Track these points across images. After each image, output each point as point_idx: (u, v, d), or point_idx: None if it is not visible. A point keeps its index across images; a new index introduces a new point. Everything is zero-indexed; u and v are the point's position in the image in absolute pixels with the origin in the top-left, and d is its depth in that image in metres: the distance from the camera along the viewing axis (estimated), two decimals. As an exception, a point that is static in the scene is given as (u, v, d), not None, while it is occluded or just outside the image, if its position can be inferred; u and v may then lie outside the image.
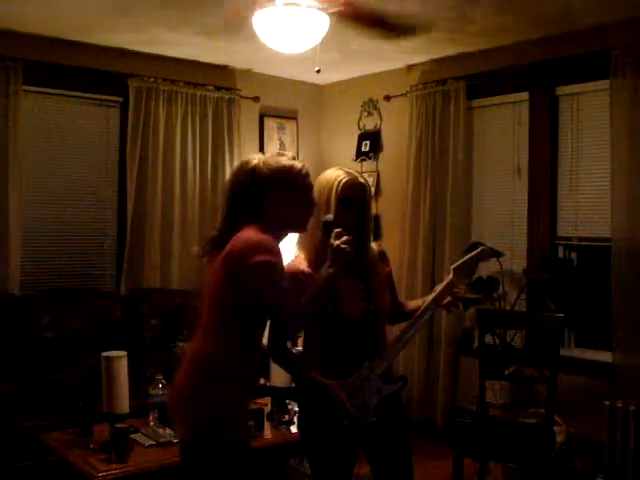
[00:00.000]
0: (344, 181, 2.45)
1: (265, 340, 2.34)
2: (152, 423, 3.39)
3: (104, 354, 3.25)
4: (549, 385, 3.56)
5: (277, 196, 2.24)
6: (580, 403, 4.11)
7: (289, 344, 2.53)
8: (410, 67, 5.40)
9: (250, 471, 2.26)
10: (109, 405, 3.20)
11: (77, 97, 4.96)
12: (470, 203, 5.05)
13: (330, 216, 2.36)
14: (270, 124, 5.89)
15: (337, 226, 2.33)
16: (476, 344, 4.00)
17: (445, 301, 2.49)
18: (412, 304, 2.65)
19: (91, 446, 3.16)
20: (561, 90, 4.57)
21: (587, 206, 4.46)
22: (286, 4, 3.57)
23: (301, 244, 2.52)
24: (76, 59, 4.83)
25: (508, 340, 4.31)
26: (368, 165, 5.75)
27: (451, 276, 2.50)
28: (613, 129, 4.14)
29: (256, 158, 2.30)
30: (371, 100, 5.79)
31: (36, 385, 4.18)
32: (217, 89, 5.46)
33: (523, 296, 4.44)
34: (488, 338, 4.03)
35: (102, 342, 4.17)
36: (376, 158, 5.72)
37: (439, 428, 4.92)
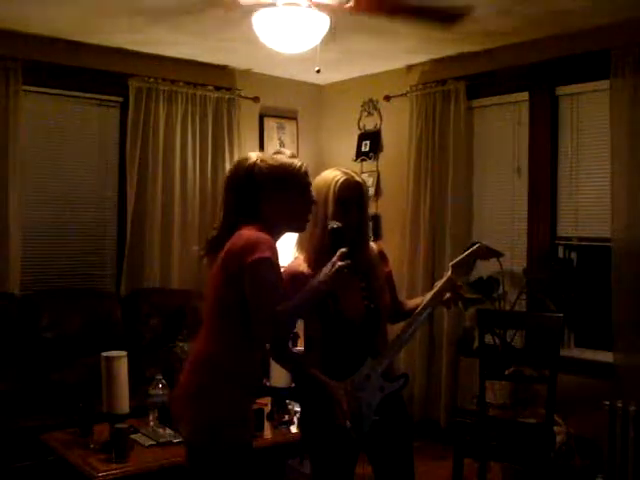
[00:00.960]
0: (341, 181, 2.45)
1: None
2: (152, 423, 3.39)
3: (104, 354, 3.25)
4: (549, 385, 3.56)
5: (275, 195, 2.24)
6: (580, 403, 4.11)
7: (290, 343, 2.52)
8: (410, 67, 5.40)
9: (252, 471, 2.26)
10: (109, 405, 3.20)
11: (77, 97, 4.96)
12: (470, 203, 5.05)
13: (337, 223, 2.36)
14: (270, 124, 5.90)
15: (339, 231, 2.34)
16: (476, 344, 3.99)
17: (445, 297, 2.50)
18: (411, 303, 2.65)
19: (91, 446, 3.15)
20: (561, 90, 4.57)
21: (587, 206, 4.46)
22: (286, 4, 3.57)
23: (300, 245, 2.53)
24: (76, 59, 4.83)
25: (508, 340, 4.30)
26: (368, 165, 5.75)
27: (449, 273, 2.51)
28: (613, 129, 4.14)
29: (254, 156, 2.28)
30: (371, 100, 5.79)
31: (36, 385, 4.18)
32: (217, 89, 5.46)
33: (523, 296, 4.44)
34: (488, 338, 4.03)
35: (102, 342, 4.16)
36: (376, 158, 5.72)
37: (441, 428, 4.92)
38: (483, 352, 3.82)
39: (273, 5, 3.59)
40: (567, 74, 4.49)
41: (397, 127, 5.53)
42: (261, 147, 5.80)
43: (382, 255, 2.64)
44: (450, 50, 4.92)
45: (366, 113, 5.85)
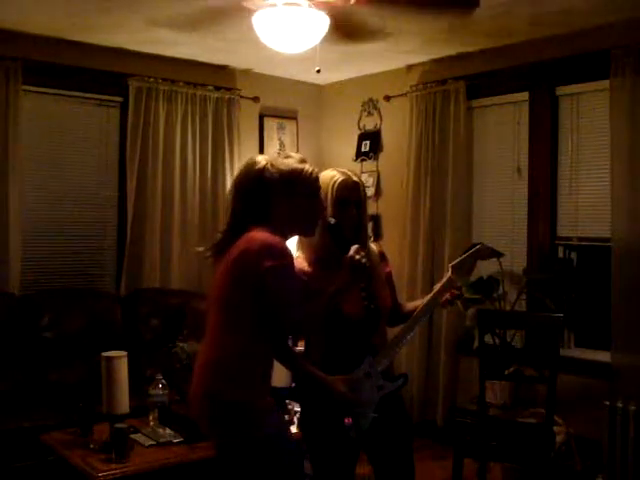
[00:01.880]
0: (339, 181, 2.46)
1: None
2: (152, 423, 3.39)
3: (104, 354, 3.25)
4: (549, 385, 3.56)
5: (286, 200, 2.23)
6: (580, 403, 4.11)
7: (290, 342, 2.52)
8: (410, 67, 5.40)
9: (293, 458, 2.25)
10: (109, 405, 3.19)
11: (77, 97, 4.96)
12: (470, 203, 5.05)
13: (332, 219, 2.39)
14: (270, 124, 5.89)
15: (337, 226, 2.35)
16: (476, 344, 4.00)
17: (443, 298, 2.51)
18: (410, 305, 2.66)
19: (91, 446, 3.15)
20: (561, 90, 4.57)
21: (587, 206, 4.46)
22: (286, 4, 3.57)
23: (301, 245, 2.54)
24: (76, 59, 4.83)
25: (508, 340, 4.31)
26: (368, 165, 5.75)
27: (449, 274, 2.51)
28: (613, 129, 4.14)
29: (264, 160, 2.27)
30: (371, 100, 5.79)
31: (36, 385, 4.18)
32: (217, 89, 5.46)
33: (523, 296, 4.44)
34: (488, 338, 4.03)
35: (102, 342, 4.16)
36: (376, 158, 5.72)
37: (439, 428, 4.92)
38: (483, 352, 3.82)
39: (273, 5, 3.59)
40: (567, 74, 4.49)
41: (397, 127, 5.53)
42: (261, 147, 5.81)
43: (382, 255, 2.65)
44: (450, 50, 4.92)
45: (366, 113, 5.85)
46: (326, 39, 3.89)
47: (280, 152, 5.67)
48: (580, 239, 4.50)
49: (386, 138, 5.70)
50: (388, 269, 2.66)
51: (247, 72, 5.67)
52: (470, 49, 4.85)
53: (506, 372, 4.07)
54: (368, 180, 5.61)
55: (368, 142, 5.76)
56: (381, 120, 5.73)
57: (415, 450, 2.57)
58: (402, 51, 4.96)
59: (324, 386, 2.33)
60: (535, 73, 4.64)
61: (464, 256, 2.56)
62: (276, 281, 2.12)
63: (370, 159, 5.73)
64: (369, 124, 5.82)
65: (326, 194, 2.43)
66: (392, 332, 2.58)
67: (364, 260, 2.27)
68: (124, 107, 5.11)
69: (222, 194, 5.38)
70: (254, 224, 2.20)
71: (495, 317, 4.13)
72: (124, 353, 3.28)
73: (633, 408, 3.81)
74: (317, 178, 2.31)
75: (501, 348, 4.23)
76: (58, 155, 4.94)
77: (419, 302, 2.60)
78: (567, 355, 4.31)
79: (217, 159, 5.44)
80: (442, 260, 4.97)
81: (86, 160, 5.04)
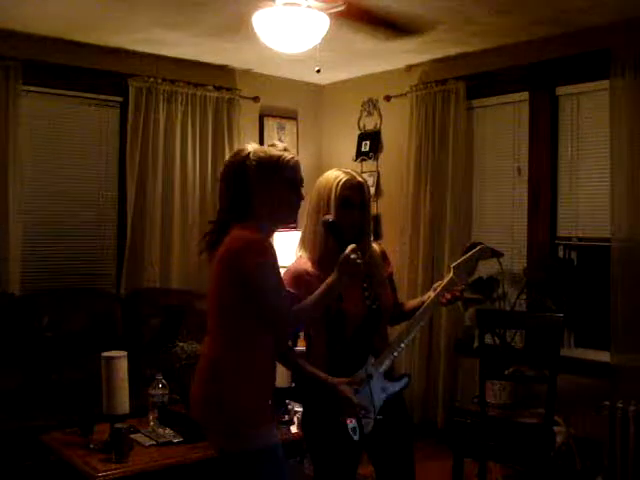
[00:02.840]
0: (343, 181, 2.46)
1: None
2: (152, 423, 3.38)
3: (104, 354, 3.25)
4: (549, 385, 3.56)
5: (264, 187, 2.22)
6: (580, 403, 4.11)
7: (290, 343, 2.52)
8: (410, 67, 5.40)
9: (285, 467, 2.26)
10: (109, 405, 3.19)
11: (77, 97, 4.96)
12: (470, 203, 5.05)
13: (329, 217, 2.38)
14: (270, 124, 5.89)
15: (336, 226, 2.35)
16: (476, 344, 4.00)
17: (444, 299, 2.50)
18: (411, 304, 2.65)
19: (91, 446, 3.15)
20: (561, 90, 4.57)
21: (587, 206, 4.46)
22: (286, 4, 3.57)
23: (303, 244, 2.53)
24: (76, 59, 4.83)
25: (508, 340, 4.31)
26: (368, 165, 5.75)
27: (451, 274, 2.50)
28: (613, 129, 4.14)
29: (249, 147, 2.27)
30: (371, 100, 5.79)
31: (36, 385, 4.18)
32: (217, 89, 5.46)
33: (523, 296, 4.44)
34: (488, 338, 4.03)
35: (102, 342, 4.16)
36: (376, 158, 5.72)
37: (439, 428, 4.92)
38: (483, 352, 3.82)
39: (273, 5, 3.59)
40: (567, 74, 4.49)
41: (397, 127, 5.53)
42: (261, 147, 5.80)
43: (384, 255, 2.65)
44: (450, 50, 4.92)
45: (366, 113, 5.85)
46: (326, 39, 3.89)
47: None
48: (580, 239, 4.50)
49: (386, 138, 5.70)
50: (389, 269, 2.66)
51: (247, 72, 5.67)
52: (470, 49, 4.85)
53: (506, 372, 4.07)
54: (368, 180, 5.54)
55: (368, 142, 5.76)
56: (381, 120, 5.73)
57: (415, 450, 2.56)
58: (402, 51, 4.96)
59: (327, 388, 2.33)
60: (535, 73, 4.64)
61: (465, 256, 2.55)
62: (260, 278, 2.12)
63: (370, 159, 5.73)
64: (369, 124, 5.82)
65: (329, 193, 2.43)
66: (392, 333, 2.58)
67: (359, 260, 2.25)
68: (124, 107, 5.10)
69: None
70: (237, 219, 2.20)
71: (495, 317, 4.13)
72: (124, 353, 3.27)
73: (633, 408, 3.81)
74: (296, 167, 2.29)
75: (501, 348, 4.23)
76: (58, 155, 4.93)
77: (418, 301, 2.60)
78: (567, 355, 4.31)
79: (217, 159, 5.43)
80: (442, 260, 4.98)
81: (86, 160, 5.04)
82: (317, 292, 2.24)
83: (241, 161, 2.24)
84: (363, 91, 5.84)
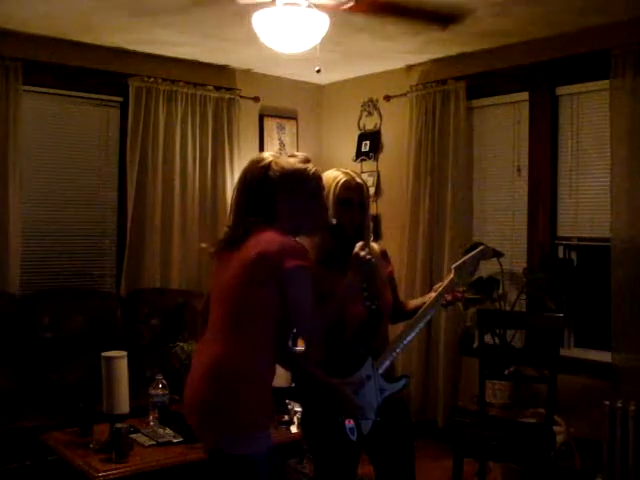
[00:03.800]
0: (342, 182, 2.47)
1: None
2: (152, 423, 3.39)
3: (104, 354, 3.25)
4: (549, 385, 3.56)
5: (288, 198, 2.23)
6: (580, 403, 4.11)
7: (290, 343, 2.52)
8: (410, 67, 5.40)
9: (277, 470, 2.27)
10: (109, 405, 3.19)
11: (77, 97, 4.96)
12: (470, 203, 5.05)
13: (333, 219, 2.39)
14: (270, 124, 5.89)
15: (338, 226, 2.35)
16: (476, 344, 3.99)
17: (444, 300, 2.50)
18: (412, 303, 2.65)
19: (91, 446, 3.15)
20: (561, 90, 4.57)
21: (587, 206, 4.46)
22: (286, 4, 3.57)
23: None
24: (76, 59, 4.83)
25: (508, 340, 4.31)
26: (368, 165, 5.75)
27: (452, 275, 2.50)
28: (613, 129, 4.14)
29: (269, 157, 2.28)
30: (371, 100, 5.79)
31: (36, 385, 4.18)
32: (217, 89, 5.46)
33: (523, 296, 4.44)
34: (488, 338, 4.03)
35: (102, 342, 4.17)
36: (376, 158, 5.72)
37: (439, 428, 4.92)
38: (483, 352, 3.82)
39: (273, 5, 3.59)
40: (567, 74, 4.49)
41: (397, 127, 5.53)
42: (261, 147, 5.81)
43: (384, 255, 2.66)
44: (450, 50, 4.92)
45: (366, 113, 5.85)
46: (326, 39, 3.89)
47: (282, 151, 5.68)
48: (580, 239, 4.50)
49: (386, 138, 5.70)
50: (390, 269, 2.66)
51: (247, 72, 5.68)
52: (470, 49, 4.85)
53: (506, 372, 4.08)
54: (368, 180, 5.60)
55: (368, 142, 5.76)
56: (381, 120, 5.73)
57: (415, 450, 2.56)
58: (402, 51, 4.96)
59: (328, 389, 2.32)
60: (535, 73, 4.64)
61: (466, 257, 2.54)
62: (301, 280, 2.14)
63: (370, 159, 5.73)
64: (369, 124, 5.82)
65: (328, 194, 2.43)
66: (393, 333, 2.58)
67: (369, 257, 2.27)
68: (124, 107, 5.11)
69: (222, 194, 5.39)
70: (262, 224, 2.19)
71: (495, 317, 4.13)
72: (124, 353, 3.27)
73: (633, 408, 3.81)
74: (320, 178, 2.31)
75: (501, 348, 4.23)
76: (58, 155, 4.93)
77: (420, 300, 2.60)
78: (567, 355, 4.32)
79: (217, 159, 5.44)
80: (442, 260, 4.98)
81: (86, 160, 5.04)
82: (338, 295, 2.26)
83: (264, 170, 2.24)
84: (363, 91, 5.84)
